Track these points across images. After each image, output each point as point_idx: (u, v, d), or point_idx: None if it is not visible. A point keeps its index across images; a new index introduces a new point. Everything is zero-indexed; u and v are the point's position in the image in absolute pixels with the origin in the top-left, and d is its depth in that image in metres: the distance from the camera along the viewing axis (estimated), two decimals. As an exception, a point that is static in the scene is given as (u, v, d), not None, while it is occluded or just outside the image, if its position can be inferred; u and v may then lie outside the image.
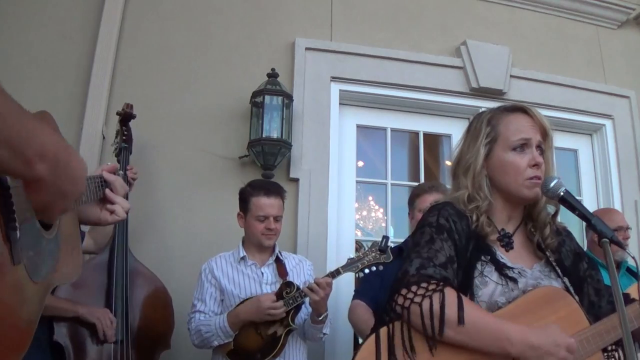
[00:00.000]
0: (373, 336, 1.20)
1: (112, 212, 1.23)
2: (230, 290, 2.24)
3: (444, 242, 1.27)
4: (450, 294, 1.18)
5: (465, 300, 1.20)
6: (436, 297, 1.17)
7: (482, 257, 1.29)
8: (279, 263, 2.35)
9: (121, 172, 1.34)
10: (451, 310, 1.16)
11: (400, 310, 1.19)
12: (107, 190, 1.22)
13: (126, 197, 1.30)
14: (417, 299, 1.18)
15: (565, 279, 1.35)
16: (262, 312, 2.09)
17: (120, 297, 2.21)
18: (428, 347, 1.18)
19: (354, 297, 2.47)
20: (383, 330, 1.20)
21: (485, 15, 3.59)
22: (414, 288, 1.19)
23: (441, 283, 1.20)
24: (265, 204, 2.28)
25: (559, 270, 1.37)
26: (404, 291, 1.20)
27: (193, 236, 2.77)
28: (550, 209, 1.43)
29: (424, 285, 1.19)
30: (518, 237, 1.40)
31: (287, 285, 2.19)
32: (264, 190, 2.31)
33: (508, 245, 1.35)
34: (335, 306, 2.71)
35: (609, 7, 3.78)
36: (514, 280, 1.29)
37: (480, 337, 1.16)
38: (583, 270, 1.41)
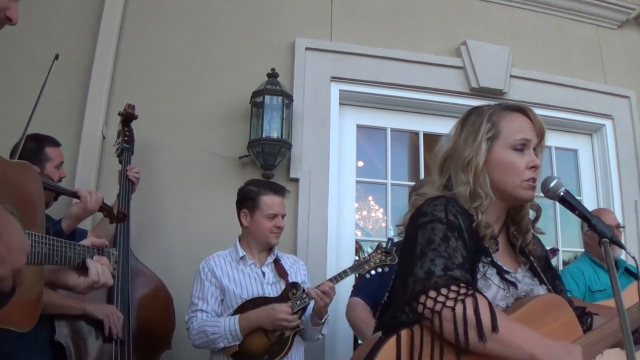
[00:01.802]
0: (394, 339, 1.14)
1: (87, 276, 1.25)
2: (232, 289, 2.23)
3: (457, 241, 1.21)
4: (482, 300, 1.14)
5: (495, 306, 1.16)
6: (469, 302, 1.12)
7: (483, 259, 1.27)
8: (277, 263, 2.35)
9: (110, 250, 1.35)
10: (486, 317, 1.11)
11: (429, 313, 1.12)
12: (89, 261, 1.25)
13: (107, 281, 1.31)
14: (450, 303, 1.11)
15: (548, 286, 1.36)
16: (276, 322, 2.10)
17: (122, 297, 2.21)
18: (455, 354, 1.13)
19: (352, 295, 2.46)
20: (405, 334, 1.15)
21: (485, 15, 3.59)
22: (443, 291, 1.12)
23: (470, 287, 1.15)
24: (276, 202, 2.31)
25: (543, 277, 1.37)
26: (432, 293, 1.12)
27: (193, 236, 2.77)
28: (531, 214, 1.42)
29: (454, 288, 1.12)
30: (501, 239, 1.38)
31: (293, 286, 2.20)
32: (272, 189, 2.34)
33: (495, 246, 1.34)
34: (335, 307, 2.71)
35: (609, 7, 3.78)
36: (515, 285, 1.27)
37: (511, 344, 1.13)
38: (551, 278, 1.41)
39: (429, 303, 1.13)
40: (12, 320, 1.05)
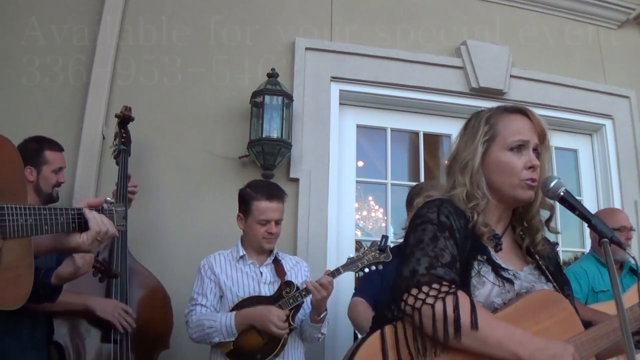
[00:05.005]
0: (378, 334, 1.18)
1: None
2: (229, 287, 2.24)
3: (447, 241, 1.24)
4: (464, 298, 1.16)
5: (478, 304, 1.18)
6: (450, 300, 1.14)
7: (479, 257, 1.29)
8: (277, 263, 2.35)
9: (108, 202, 1.27)
10: (465, 314, 1.14)
11: (410, 310, 1.16)
12: (86, 211, 1.19)
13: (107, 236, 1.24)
14: (430, 300, 1.14)
15: (554, 284, 1.36)
16: (266, 322, 2.09)
17: (120, 297, 2.20)
18: (433, 350, 1.16)
19: (354, 295, 2.47)
20: (389, 329, 1.18)
21: (485, 15, 3.59)
22: (425, 289, 1.16)
23: (453, 285, 1.17)
24: (268, 208, 2.26)
25: (548, 275, 1.38)
26: (414, 291, 1.16)
27: (193, 236, 2.77)
28: (544, 214, 1.42)
29: (435, 286, 1.16)
30: (506, 239, 1.39)
31: (287, 284, 2.20)
32: (266, 194, 2.28)
33: (497, 247, 1.35)
34: (335, 306, 2.71)
35: (609, 7, 3.78)
36: (510, 282, 1.28)
37: (492, 342, 1.14)
38: (560, 282, 1.42)
39: (410, 300, 1.17)
40: None
